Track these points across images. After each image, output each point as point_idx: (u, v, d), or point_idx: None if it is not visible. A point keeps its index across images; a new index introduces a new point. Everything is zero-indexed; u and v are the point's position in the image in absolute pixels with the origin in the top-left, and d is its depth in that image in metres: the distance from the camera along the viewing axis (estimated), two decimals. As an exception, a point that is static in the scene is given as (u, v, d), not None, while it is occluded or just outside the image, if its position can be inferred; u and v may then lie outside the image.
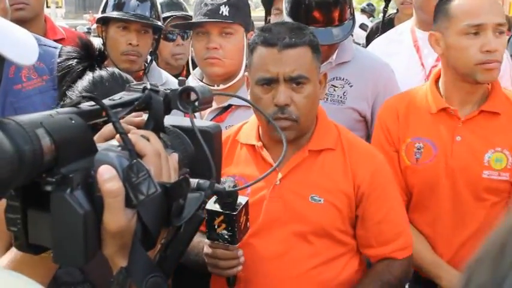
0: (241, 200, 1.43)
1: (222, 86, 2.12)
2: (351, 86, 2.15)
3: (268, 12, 3.12)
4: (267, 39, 1.60)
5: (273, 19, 2.97)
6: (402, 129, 1.91)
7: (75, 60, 1.49)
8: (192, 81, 2.21)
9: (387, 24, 3.35)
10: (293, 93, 1.58)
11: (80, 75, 1.46)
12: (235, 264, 1.51)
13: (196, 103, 0.74)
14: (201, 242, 1.62)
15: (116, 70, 1.50)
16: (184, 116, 0.80)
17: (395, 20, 3.37)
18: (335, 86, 2.15)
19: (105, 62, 2.33)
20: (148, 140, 0.69)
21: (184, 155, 0.80)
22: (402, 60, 2.40)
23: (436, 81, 1.92)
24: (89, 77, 1.45)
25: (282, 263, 1.60)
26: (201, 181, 0.74)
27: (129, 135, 0.68)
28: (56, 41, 2.36)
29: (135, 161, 0.63)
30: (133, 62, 2.31)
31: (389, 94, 2.12)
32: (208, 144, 0.82)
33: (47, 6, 14.40)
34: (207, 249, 1.54)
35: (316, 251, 1.60)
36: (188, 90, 0.74)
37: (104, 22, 2.35)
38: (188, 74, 2.52)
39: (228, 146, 1.73)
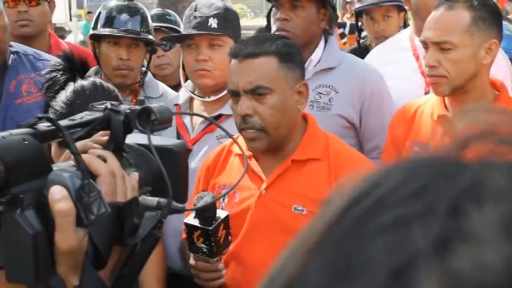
0: (221, 214, 1.45)
1: (212, 97, 2.14)
2: (337, 93, 2.13)
3: (269, 21, 3.12)
4: (232, 50, 1.65)
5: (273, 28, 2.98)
6: (405, 132, 1.93)
7: (59, 72, 1.52)
8: (184, 93, 2.24)
9: (363, 49, 3.31)
10: (256, 103, 1.58)
11: (63, 86, 1.49)
12: (217, 277, 1.52)
13: (155, 122, 0.75)
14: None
15: (98, 80, 1.54)
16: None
17: (371, 45, 3.32)
18: (321, 93, 2.13)
19: (102, 77, 2.39)
20: (105, 160, 0.71)
21: (148, 173, 0.81)
22: (402, 68, 2.39)
23: None
24: (71, 87, 1.48)
25: (266, 272, 1.60)
26: (161, 200, 0.75)
27: (84, 155, 0.69)
28: None
29: (86, 181, 0.65)
30: (125, 76, 2.34)
31: (376, 100, 2.12)
32: (172, 162, 0.83)
33: (70, 20, 14.56)
34: (191, 261, 1.56)
35: None
36: (147, 111, 0.76)
37: (96, 38, 2.39)
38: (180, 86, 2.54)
39: (222, 156, 1.76)
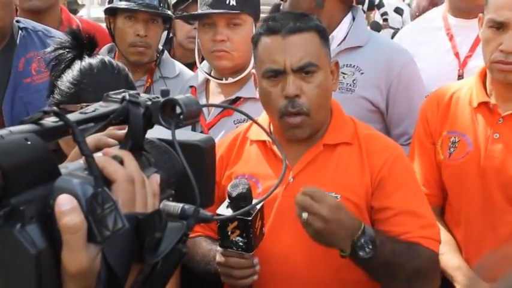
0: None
1: (230, 80, 2.03)
2: (362, 74, 2.00)
3: None
4: (270, 27, 1.51)
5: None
6: (441, 121, 1.80)
7: (66, 49, 1.41)
8: (200, 74, 2.12)
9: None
10: (303, 83, 1.48)
11: (69, 64, 1.40)
12: (251, 273, 1.41)
13: (181, 117, 0.64)
14: (212, 250, 1.53)
15: (107, 58, 1.44)
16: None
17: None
18: (344, 73, 2.00)
19: (116, 54, 2.27)
20: (122, 161, 0.60)
21: (172, 173, 0.71)
22: (433, 49, 2.25)
23: (484, 74, 1.79)
24: (77, 66, 1.39)
25: (296, 266, 1.49)
26: (186, 206, 0.65)
27: (98, 157, 0.58)
28: None
29: (100, 189, 0.54)
30: (142, 53, 2.23)
31: (405, 83, 1.99)
32: (198, 160, 0.72)
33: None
34: (219, 258, 1.44)
35: (334, 251, 1.49)
36: (172, 103, 0.65)
37: (111, 13, 2.26)
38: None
39: (237, 144, 1.65)
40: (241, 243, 1.34)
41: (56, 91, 1.41)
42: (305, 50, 1.48)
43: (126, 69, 1.47)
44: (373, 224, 1.51)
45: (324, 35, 1.53)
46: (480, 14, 1.79)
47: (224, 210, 1.33)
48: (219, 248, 1.42)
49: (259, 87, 1.56)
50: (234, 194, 1.31)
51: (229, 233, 1.34)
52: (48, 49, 1.46)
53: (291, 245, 1.50)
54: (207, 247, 1.57)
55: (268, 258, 1.48)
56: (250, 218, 1.31)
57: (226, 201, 1.35)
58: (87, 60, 1.41)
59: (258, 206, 1.34)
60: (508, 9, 1.63)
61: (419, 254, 1.44)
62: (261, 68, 1.52)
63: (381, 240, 1.39)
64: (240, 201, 1.31)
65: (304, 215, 1.33)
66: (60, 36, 2.07)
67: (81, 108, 1.35)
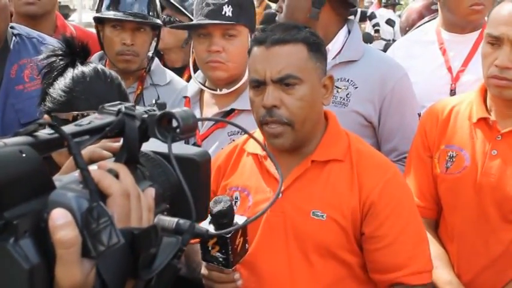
0: (238, 220, 1.33)
1: (225, 91, 2.02)
2: (356, 88, 2.00)
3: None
4: (257, 37, 1.52)
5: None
6: (439, 134, 1.80)
7: (58, 57, 1.40)
8: (194, 84, 2.11)
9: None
10: (283, 94, 1.47)
11: (62, 72, 1.39)
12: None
13: (178, 130, 0.64)
14: (195, 255, 1.54)
15: (100, 66, 1.43)
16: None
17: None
18: (338, 87, 1.99)
19: (106, 62, 2.27)
20: (117, 175, 0.59)
21: (166, 186, 0.70)
22: (426, 63, 2.26)
23: (485, 89, 1.79)
24: (70, 73, 1.38)
25: (284, 282, 1.48)
26: (181, 221, 0.64)
27: (93, 170, 0.58)
28: None
29: (95, 204, 0.53)
30: (129, 61, 2.22)
31: (398, 99, 1.98)
32: (193, 174, 0.72)
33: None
34: (203, 270, 1.44)
35: (319, 271, 1.48)
36: (168, 116, 0.64)
37: (100, 21, 2.26)
38: (189, 77, 2.42)
39: (234, 156, 1.64)
40: (220, 259, 1.34)
41: (47, 99, 1.40)
42: (286, 62, 1.47)
43: (119, 78, 1.47)
44: (362, 249, 1.49)
45: (314, 47, 1.51)
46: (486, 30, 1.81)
47: (206, 225, 1.32)
48: (204, 264, 1.43)
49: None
50: (214, 211, 1.31)
51: (210, 248, 1.34)
52: (41, 56, 1.45)
53: (278, 260, 1.49)
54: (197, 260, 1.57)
55: (254, 273, 1.48)
56: (228, 236, 1.31)
57: (209, 217, 1.34)
58: (79, 68, 1.40)
59: (240, 223, 1.34)
60: (504, 25, 1.64)
61: None
62: (249, 77, 1.54)
63: None
64: (220, 218, 1.31)
65: None
66: (53, 43, 2.07)
67: (73, 116, 1.35)
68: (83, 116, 1.32)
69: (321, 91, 1.53)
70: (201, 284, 1.56)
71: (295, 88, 1.47)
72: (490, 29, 1.68)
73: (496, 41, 1.66)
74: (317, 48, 1.53)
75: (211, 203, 1.33)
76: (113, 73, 1.45)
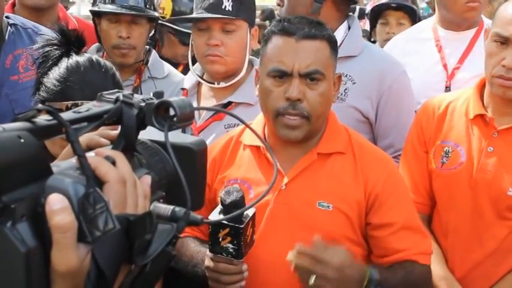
0: (248, 211, 1.34)
1: (222, 84, 2.03)
2: (354, 83, 2.01)
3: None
4: (286, 28, 1.52)
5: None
6: (435, 130, 1.82)
7: (53, 47, 1.41)
8: (192, 77, 2.12)
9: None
10: (307, 89, 1.49)
11: (56, 62, 1.39)
12: (239, 279, 1.41)
13: (175, 119, 0.65)
14: (200, 253, 1.53)
15: (94, 56, 1.43)
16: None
17: None
18: None
19: (103, 54, 2.27)
20: (114, 162, 0.60)
21: (163, 174, 0.71)
22: (422, 59, 2.27)
23: (482, 86, 1.80)
24: (64, 63, 1.38)
25: (286, 274, 1.49)
26: (177, 209, 0.65)
27: (91, 157, 0.58)
28: None
29: (92, 189, 0.54)
30: (125, 55, 2.22)
31: (395, 96, 2.00)
32: (189, 163, 0.73)
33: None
34: (208, 262, 1.44)
35: None
36: (166, 105, 0.65)
37: (97, 14, 2.26)
38: (187, 69, 2.42)
39: (230, 148, 1.65)
40: (231, 250, 1.34)
41: (41, 88, 1.40)
42: (315, 57, 1.49)
43: (114, 68, 1.47)
44: (368, 238, 1.53)
45: (334, 46, 1.55)
46: (487, 27, 1.81)
47: (216, 216, 1.32)
48: (208, 253, 1.42)
49: (260, 84, 1.57)
50: (228, 201, 1.31)
51: (220, 239, 1.34)
52: (35, 46, 1.45)
53: (281, 252, 1.49)
54: (195, 249, 1.57)
55: (258, 265, 1.48)
56: (242, 226, 1.31)
57: (219, 207, 1.34)
58: (74, 58, 1.40)
59: (250, 214, 1.34)
60: (510, 24, 1.64)
61: (416, 274, 1.51)
62: (268, 66, 1.53)
63: (385, 278, 1.45)
64: (233, 208, 1.31)
65: (312, 279, 1.36)
66: (48, 33, 2.07)
67: (67, 106, 1.35)
68: (77, 106, 1.33)
69: (333, 88, 1.57)
70: (191, 278, 1.57)
71: (318, 84, 1.50)
72: (497, 28, 1.68)
73: (504, 41, 1.66)
74: (335, 46, 1.57)
75: (222, 194, 1.34)
76: (108, 63, 1.45)
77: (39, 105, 0.58)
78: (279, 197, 1.52)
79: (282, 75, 1.50)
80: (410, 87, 2.08)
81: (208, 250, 1.41)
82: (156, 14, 2.33)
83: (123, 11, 2.20)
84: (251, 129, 0.93)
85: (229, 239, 1.33)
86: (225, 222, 1.31)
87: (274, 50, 1.53)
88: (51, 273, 0.54)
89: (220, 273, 1.41)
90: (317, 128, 1.55)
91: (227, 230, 1.32)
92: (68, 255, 0.53)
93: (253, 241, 1.39)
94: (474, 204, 1.72)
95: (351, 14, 2.15)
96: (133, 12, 2.21)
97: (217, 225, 1.33)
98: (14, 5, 2.57)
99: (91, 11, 2.28)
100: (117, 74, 1.46)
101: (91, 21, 2.39)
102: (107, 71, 1.42)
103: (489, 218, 1.71)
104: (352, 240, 1.52)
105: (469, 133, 1.76)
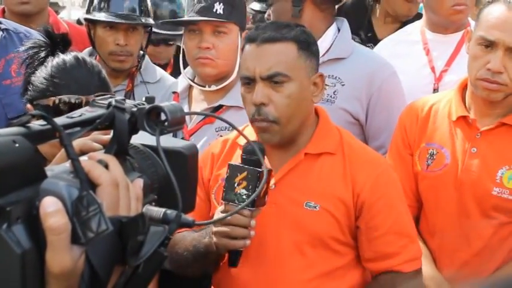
0: (264, 170, 1.37)
1: (214, 87, 2.04)
2: (343, 85, 2.03)
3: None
4: (250, 35, 1.57)
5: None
6: (420, 132, 1.84)
7: (40, 48, 1.43)
8: (183, 80, 2.13)
9: None
10: (272, 92, 1.51)
11: (43, 62, 1.41)
12: (246, 235, 1.42)
13: (166, 123, 0.66)
14: (203, 232, 1.53)
15: (80, 54, 1.45)
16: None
17: None
18: (325, 84, 2.04)
19: (97, 59, 2.28)
20: (107, 166, 0.62)
21: (155, 178, 0.72)
22: (410, 62, 2.29)
23: (464, 88, 1.83)
24: (51, 62, 1.40)
25: (273, 273, 1.51)
26: (168, 211, 0.66)
27: (84, 161, 0.60)
28: None
29: (85, 192, 0.55)
30: (123, 61, 2.25)
31: (385, 97, 2.02)
32: (181, 167, 0.74)
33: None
34: (218, 214, 1.46)
35: (311, 262, 1.52)
36: (157, 110, 0.66)
37: (91, 20, 2.27)
38: (176, 71, 2.44)
39: (227, 148, 1.67)
40: (245, 197, 1.36)
41: (30, 87, 1.42)
42: (276, 60, 1.51)
43: (100, 66, 1.49)
44: (358, 241, 1.55)
45: (304, 46, 1.55)
46: (468, 28, 1.83)
47: (235, 160, 1.37)
48: (219, 207, 1.45)
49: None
50: (248, 148, 1.37)
51: (236, 184, 1.37)
52: (22, 48, 1.48)
53: (270, 253, 1.52)
54: (196, 233, 1.57)
55: (248, 266, 1.50)
56: (260, 169, 1.34)
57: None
58: (60, 57, 1.42)
59: (265, 172, 1.37)
60: (498, 29, 1.66)
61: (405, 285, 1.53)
62: (240, 73, 1.58)
63: None
64: (251, 154, 1.36)
65: None
66: (39, 37, 2.08)
67: (54, 102, 1.37)
68: (64, 102, 1.36)
69: (311, 89, 1.56)
70: (184, 278, 1.58)
71: (284, 86, 1.50)
72: (481, 31, 1.70)
73: (489, 44, 1.67)
74: (307, 46, 1.56)
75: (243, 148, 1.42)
76: (94, 61, 1.48)
77: (34, 111, 0.60)
78: (269, 197, 1.53)
79: (249, 82, 1.53)
80: (401, 88, 2.10)
81: (221, 199, 1.43)
82: (151, 20, 2.35)
83: (120, 20, 2.22)
84: (240, 132, 0.95)
85: (244, 183, 1.35)
86: (244, 165, 1.34)
87: (242, 58, 1.59)
88: (46, 274, 0.55)
89: (230, 224, 1.41)
90: (294, 130, 1.55)
91: (244, 173, 1.35)
92: (62, 257, 0.54)
93: (265, 201, 1.41)
94: (460, 204, 1.75)
95: (340, 18, 2.16)
96: (131, 22, 2.24)
97: (235, 169, 1.37)
98: (4, 11, 2.59)
99: (85, 19, 2.30)
100: (103, 71, 1.48)
101: (81, 25, 2.41)
102: (93, 68, 1.45)
103: (475, 218, 1.73)
104: (340, 241, 1.54)
105: (452, 135, 1.79)
